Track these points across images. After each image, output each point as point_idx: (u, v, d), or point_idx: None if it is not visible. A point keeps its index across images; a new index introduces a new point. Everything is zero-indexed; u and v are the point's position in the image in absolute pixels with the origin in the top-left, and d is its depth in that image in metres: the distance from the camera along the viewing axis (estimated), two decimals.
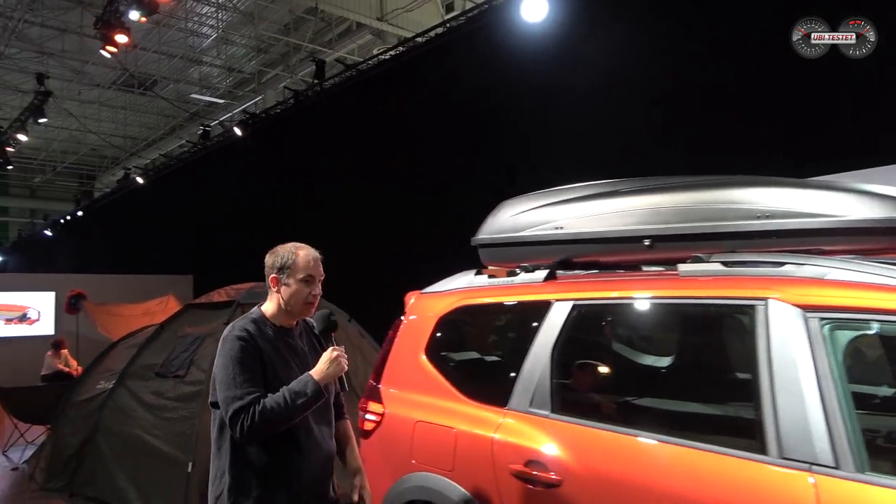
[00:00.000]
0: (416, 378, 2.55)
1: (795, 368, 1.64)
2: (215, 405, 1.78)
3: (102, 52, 9.28)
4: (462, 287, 2.63)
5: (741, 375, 1.93)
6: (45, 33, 12.51)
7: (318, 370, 1.79)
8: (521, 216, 2.51)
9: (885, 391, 1.98)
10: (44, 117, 13.05)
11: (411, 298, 2.80)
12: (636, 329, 2.58)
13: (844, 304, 1.62)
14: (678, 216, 2.10)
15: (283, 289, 1.86)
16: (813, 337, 1.64)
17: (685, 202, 2.11)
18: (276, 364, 1.81)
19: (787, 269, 1.79)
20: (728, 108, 4.77)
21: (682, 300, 1.99)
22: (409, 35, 9.00)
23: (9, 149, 15.36)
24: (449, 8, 11.85)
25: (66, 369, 8.30)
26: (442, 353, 2.61)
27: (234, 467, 1.76)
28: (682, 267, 2.00)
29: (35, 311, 10.99)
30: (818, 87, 4.12)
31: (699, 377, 2.31)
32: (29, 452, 5.74)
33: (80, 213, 18.37)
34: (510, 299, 2.47)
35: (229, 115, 15.45)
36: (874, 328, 1.67)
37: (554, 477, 1.97)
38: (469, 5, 8.61)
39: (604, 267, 2.44)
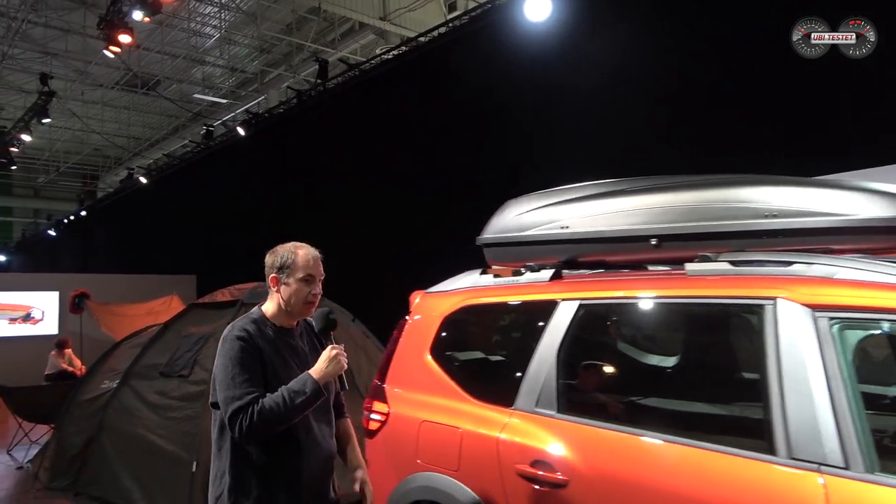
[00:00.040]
0: (422, 378, 2.55)
1: (804, 368, 1.63)
2: (215, 405, 1.77)
3: (106, 52, 9.30)
4: (467, 287, 2.62)
5: (749, 375, 1.92)
6: (49, 34, 12.53)
7: (318, 369, 1.77)
8: (527, 215, 2.50)
9: (894, 391, 1.97)
10: (47, 117, 13.08)
11: (416, 298, 2.80)
12: (643, 329, 2.57)
13: (854, 304, 1.61)
14: (685, 215, 2.09)
15: (282, 288, 1.85)
16: (822, 336, 1.63)
17: (692, 201, 2.10)
18: (276, 364, 1.80)
19: (796, 269, 1.78)
20: (732, 108, 4.76)
21: (690, 300, 1.98)
22: (412, 35, 9.00)
23: (12, 149, 15.41)
24: (451, 7, 11.84)
25: (70, 369, 8.31)
26: (447, 353, 2.60)
27: (234, 467, 1.75)
28: (689, 266, 1.99)
29: (39, 310, 11.02)
30: (818, 87, 4.11)
31: (707, 377, 2.30)
32: (33, 452, 5.75)
33: (83, 213, 18.41)
34: (516, 299, 2.46)
35: (232, 115, 15.47)
36: (884, 328, 1.66)
37: (560, 477, 1.96)
38: (472, 5, 8.60)
39: (609, 266, 2.43)
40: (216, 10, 12.62)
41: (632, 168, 2.86)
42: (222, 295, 4.89)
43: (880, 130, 3.88)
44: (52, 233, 20.59)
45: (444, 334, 2.58)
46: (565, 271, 2.39)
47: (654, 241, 2.12)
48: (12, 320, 10.82)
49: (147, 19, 8.73)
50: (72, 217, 19.29)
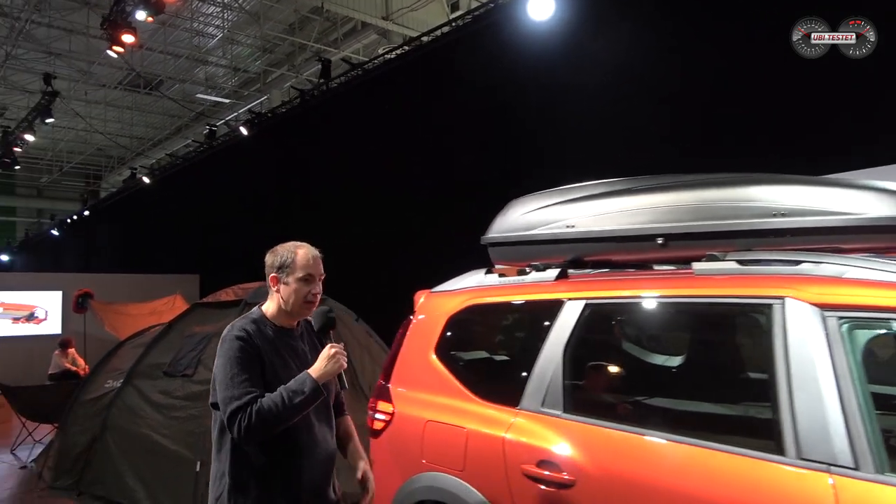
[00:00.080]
0: (426, 377, 2.54)
1: (813, 368, 1.62)
2: (215, 406, 1.77)
3: (109, 52, 9.32)
4: (472, 286, 2.61)
5: (758, 375, 1.90)
6: (52, 34, 12.55)
7: (317, 368, 1.76)
8: (532, 215, 2.49)
9: None
10: (51, 117, 13.12)
11: (421, 297, 2.79)
12: (650, 328, 2.56)
13: (864, 303, 1.60)
14: (691, 214, 2.07)
15: (282, 288, 1.84)
16: (831, 336, 1.62)
17: (699, 200, 2.09)
18: (276, 364, 1.79)
19: (804, 268, 1.77)
20: (735, 107, 4.75)
21: (698, 299, 1.96)
22: (415, 34, 8.99)
23: (16, 149, 15.44)
24: (454, 7, 11.83)
25: (74, 368, 8.33)
26: (452, 353, 2.59)
27: (233, 468, 1.75)
28: (696, 265, 1.98)
29: (42, 310, 11.05)
30: (818, 87, 4.10)
31: (715, 377, 2.28)
32: (37, 451, 5.76)
33: (86, 213, 18.45)
34: (521, 298, 2.45)
35: (235, 114, 15.48)
36: (894, 328, 1.65)
37: (567, 477, 1.96)
38: (474, 4, 8.59)
39: (615, 266, 2.42)
40: (219, 9, 12.63)
41: (635, 167, 2.85)
42: (226, 294, 4.90)
43: (880, 130, 3.88)
44: (55, 232, 20.64)
45: (449, 334, 2.57)
46: (571, 271, 2.38)
47: (660, 241, 2.11)
48: (16, 320, 10.85)
49: (150, 19, 8.75)
50: (75, 217, 19.33)
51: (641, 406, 2.18)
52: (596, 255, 2.36)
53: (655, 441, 1.85)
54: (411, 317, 2.76)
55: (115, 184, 21.46)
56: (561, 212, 2.39)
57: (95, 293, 9.11)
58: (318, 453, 1.83)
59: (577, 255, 2.37)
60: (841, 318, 1.62)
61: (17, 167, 17.17)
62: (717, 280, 1.90)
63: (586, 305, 2.16)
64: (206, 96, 15.35)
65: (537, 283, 2.37)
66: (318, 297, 1.87)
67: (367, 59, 9.40)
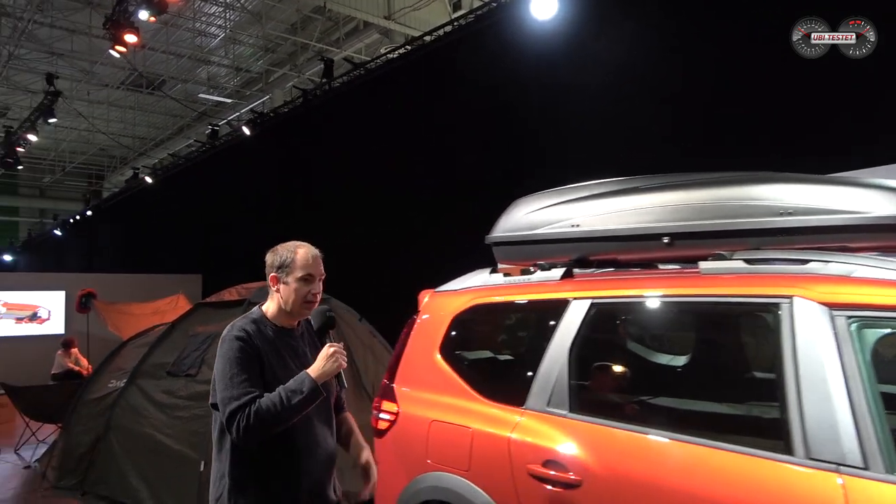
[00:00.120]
0: (431, 377, 2.53)
1: (822, 367, 1.61)
2: (215, 406, 1.76)
3: (112, 51, 9.31)
4: (477, 286, 2.61)
5: (766, 375, 1.90)
6: (55, 34, 12.57)
7: (315, 368, 1.74)
8: (537, 214, 2.48)
9: None
10: (53, 117, 13.12)
11: (425, 297, 2.78)
12: (657, 328, 2.55)
13: (873, 303, 1.59)
14: (698, 213, 2.07)
15: (282, 287, 1.83)
16: (840, 335, 1.61)
17: (705, 199, 2.08)
18: (275, 365, 1.78)
19: (813, 267, 1.76)
20: (737, 107, 4.74)
21: (705, 298, 1.96)
22: (417, 34, 8.99)
23: (19, 149, 15.46)
24: (456, 6, 11.82)
25: (77, 368, 8.34)
26: (457, 352, 2.59)
27: (233, 469, 1.74)
28: (703, 264, 1.97)
29: (45, 310, 11.07)
30: (818, 87, 4.10)
31: (722, 376, 2.28)
32: (40, 451, 5.77)
33: (89, 213, 18.48)
34: (526, 298, 2.44)
35: (237, 114, 15.49)
36: None
37: (573, 477, 1.95)
38: (477, 3, 8.58)
39: (621, 265, 2.41)
40: (221, 9, 12.64)
41: (636, 167, 2.84)
42: (229, 294, 4.89)
43: (880, 130, 3.87)
44: (57, 232, 20.67)
45: (453, 333, 2.57)
46: (576, 270, 2.37)
47: (666, 240, 2.11)
48: (19, 320, 10.86)
49: (153, 19, 8.74)
50: (77, 217, 19.36)
51: (648, 406, 2.17)
52: (601, 254, 2.35)
53: (663, 441, 1.84)
54: (416, 316, 2.76)
55: (117, 184, 21.49)
56: (566, 211, 2.39)
57: (98, 293, 9.12)
58: (318, 454, 1.83)
59: (583, 254, 2.36)
60: (850, 317, 1.62)
61: (20, 167, 17.17)
62: (725, 279, 1.89)
63: (592, 305, 2.16)
64: (208, 96, 15.36)
65: (542, 283, 2.36)
66: (318, 296, 1.86)
67: (369, 59, 9.39)
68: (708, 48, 4.89)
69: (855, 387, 1.56)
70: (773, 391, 1.70)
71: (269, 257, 1.87)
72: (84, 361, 8.50)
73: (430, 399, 2.49)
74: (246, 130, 10.62)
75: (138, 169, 16.12)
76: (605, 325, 2.33)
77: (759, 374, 2.11)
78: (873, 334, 1.64)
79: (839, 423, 1.55)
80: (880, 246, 1.88)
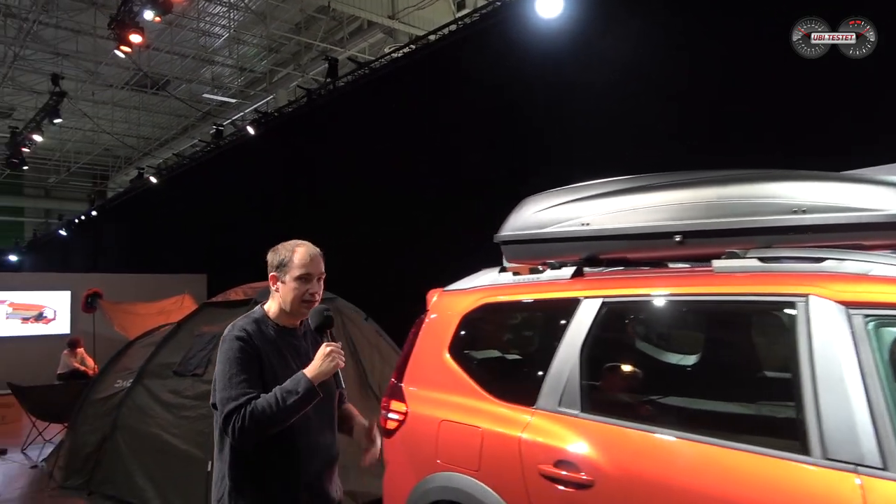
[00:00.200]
0: (440, 377, 2.52)
1: (839, 367, 1.59)
2: (216, 406, 1.74)
3: (117, 52, 9.34)
4: (486, 285, 2.59)
5: (781, 374, 1.88)
6: (60, 34, 12.60)
7: (312, 367, 1.72)
8: (546, 212, 2.46)
9: None
10: (58, 118, 13.15)
11: (434, 296, 2.77)
12: (669, 327, 2.53)
13: (891, 301, 1.57)
14: (710, 211, 2.05)
15: (281, 287, 1.82)
16: (857, 334, 1.59)
17: (717, 196, 2.06)
18: (276, 365, 1.76)
19: (828, 265, 1.74)
20: (742, 104, 4.72)
21: (718, 297, 1.94)
22: (421, 33, 8.97)
23: (24, 149, 15.51)
24: (460, 6, 11.80)
25: (83, 368, 8.35)
26: (466, 352, 2.58)
27: (233, 469, 1.73)
28: (716, 263, 1.95)
29: (51, 310, 11.10)
30: (818, 87, 4.08)
31: (736, 376, 2.26)
32: (47, 450, 5.78)
33: (94, 213, 18.53)
34: (536, 297, 2.42)
35: (241, 114, 15.51)
36: None
37: (585, 477, 1.93)
38: (481, 2, 8.56)
39: (631, 264, 2.39)
40: (225, 9, 12.65)
41: (642, 165, 2.82)
42: (235, 294, 4.89)
43: (880, 130, 3.86)
44: (63, 233, 20.76)
45: (462, 333, 2.55)
46: (586, 269, 2.35)
47: (678, 238, 2.08)
48: (25, 320, 10.89)
49: (158, 19, 8.76)
50: (82, 217, 19.43)
51: (661, 406, 2.15)
52: (611, 253, 2.34)
53: (677, 441, 1.82)
54: (424, 316, 2.74)
55: (122, 184, 21.54)
56: (575, 209, 2.37)
57: (104, 293, 9.14)
58: (318, 454, 1.82)
59: (593, 253, 2.35)
60: (867, 315, 1.60)
61: (26, 168, 17.25)
62: (739, 277, 1.87)
63: (603, 304, 2.14)
64: (212, 96, 15.38)
65: (552, 282, 2.35)
66: (317, 296, 1.84)
67: (373, 59, 9.39)
68: (714, 46, 4.86)
69: (873, 386, 1.54)
70: (790, 391, 1.68)
71: (270, 256, 1.86)
72: (90, 361, 8.51)
73: (439, 399, 2.48)
74: (250, 130, 10.63)
75: (143, 169, 16.15)
76: (616, 324, 2.31)
77: (775, 374, 2.09)
78: (891, 333, 1.62)
79: (857, 423, 1.53)
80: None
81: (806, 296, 1.69)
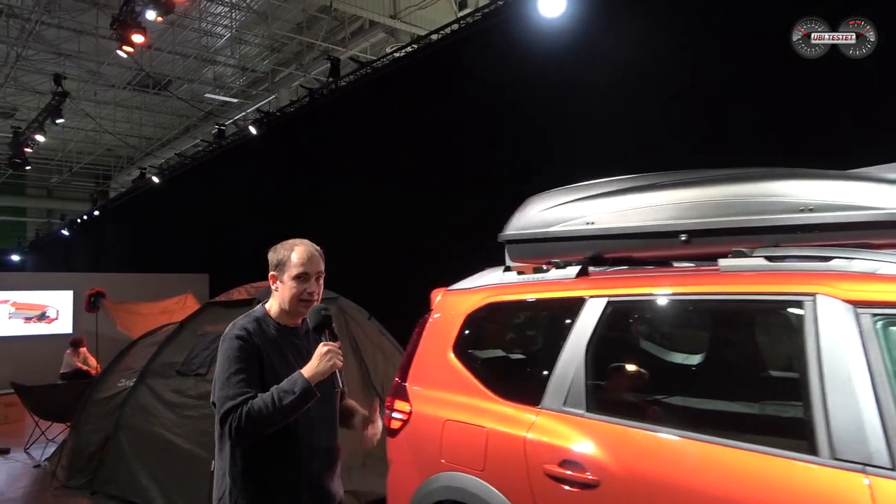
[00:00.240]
0: (444, 376, 2.51)
1: (847, 366, 1.58)
2: (216, 404, 1.75)
3: (119, 52, 9.35)
4: (490, 284, 2.58)
5: (789, 373, 1.87)
6: (62, 35, 12.61)
7: (309, 367, 1.70)
8: (551, 211, 2.45)
9: None
10: (61, 118, 13.17)
11: (437, 295, 2.76)
12: (675, 326, 2.52)
13: None
14: (716, 210, 2.03)
15: (280, 286, 1.82)
16: (865, 334, 1.58)
17: (723, 195, 2.05)
18: (277, 364, 1.76)
19: (836, 264, 1.73)
20: (745, 103, 4.71)
21: (724, 296, 1.93)
22: (422, 33, 8.96)
23: (27, 149, 15.54)
24: (462, 5, 11.79)
25: (85, 367, 8.36)
26: (470, 351, 2.57)
27: (233, 468, 1.73)
28: (723, 262, 1.94)
29: (53, 309, 11.11)
30: (818, 87, 4.07)
31: (743, 376, 2.24)
32: (50, 450, 5.78)
33: (96, 213, 18.55)
34: (541, 296, 2.41)
35: (243, 114, 15.52)
36: None
37: (591, 477, 1.93)
38: (483, 2, 8.55)
39: (636, 263, 2.38)
40: (227, 9, 12.65)
41: (645, 164, 2.82)
42: (238, 293, 4.89)
43: (880, 130, 3.85)
44: (65, 232, 20.79)
45: (467, 332, 2.54)
46: (591, 268, 2.34)
47: (683, 237, 2.07)
48: (28, 319, 10.91)
49: (160, 19, 8.76)
50: (85, 217, 19.45)
51: (668, 405, 2.14)
52: (617, 252, 2.33)
53: (683, 441, 1.81)
54: (428, 315, 2.73)
55: (124, 184, 21.57)
56: (580, 208, 2.36)
57: (106, 293, 9.16)
58: (319, 453, 1.82)
59: (598, 251, 2.34)
60: (875, 315, 1.59)
61: (28, 168, 17.27)
62: (745, 277, 1.86)
63: (609, 303, 2.13)
64: (214, 96, 15.39)
65: (557, 281, 2.34)
66: (316, 295, 1.83)
67: (375, 58, 9.38)
68: (716, 45, 4.85)
69: (881, 386, 1.53)
70: (797, 390, 1.67)
71: (270, 255, 1.86)
72: (93, 361, 8.52)
73: (443, 398, 2.47)
74: (252, 130, 10.63)
75: (145, 169, 16.16)
76: (622, 323, 2.30)
77: (782, 374, 2.08)
78: None
79: (865, 423, 1.52)
80: None
81: (814, 295, 1.68)
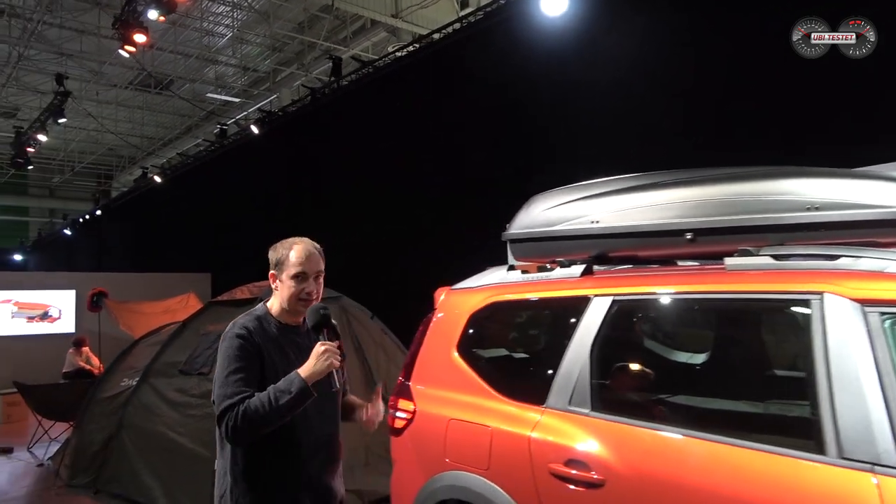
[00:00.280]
0: (448, 375, 2.51)
1: (855, 365, 1.58)
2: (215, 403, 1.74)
3: (121, 51, 9.36)
4: (494, 283, 2.58)
5: (796, 372, 1.86)
6: (64, 34, 12.63)
7: (306, 367, 1.69)
8: (555, 210, 2.44)
9: None
10: (63, 118, 13.19)
11: (441, 295, 2.76)
12: (681, 325, 2.51)
13: None
14: (721, 208, 2.02)
15: (279, 285, 1.81)
16: (873, 332, 1.57)
17: (729, 194, 2.04)
18: (278, 362, 1.75)
19: (843, 262, 1.72)
20: (749, 101, 4.70)
21: (730, 295, 1.92)
22: (424, 32, 8.96)
23: (29, 149, 15.56)
24: (463, 4, 11.78)
25: (88, 367, 8.37)
26: (474, 350, 2.56)
27: (234, 467, 1.73)
28: (728, 261, 1.93)
29: (56, 309, 11.12)
30: (818, 87, 4.06)
31: (750, 375, 2.23)
32: (53, 449, 5.79)
33: (98, 213, 18.57)
34: (545, 295, 2.40)
35: (245, 113, 15.53)
36: None
37: (596, 477, 1.92)
38: (484, 1, 8.54)
39: (641, 261, 2.37)
40: (229, 9, 12.66)
41: (648, 162, 2.81)
42: (241, 292, 4.89)
43: (880, 130, 3.84)
44: (67, 232, 20.79)
45: (471, 331, 2.54)
46: (595, 267, 2.33)
47: (689, 236, 2.06)
48: (30, 319, 10.92)
49: (162, 19, 8.77)
50: (87, 216, 19.47)
51: (674, 405, 2.13)
52: (621, 250, 2.32)
53: (689, 440, 1.80)
54: (431, 314, 2.73)
55: (126, 183, 21.59)
56: (585, 207, 2.35)
57: (109, 292, 9.16)
58: (320, 452, 1.81)
59: (602, 250, 2.33)
60: (883, 313, 1.58)
61: (30, 167, 17.30)
62: (751, 275, 1.86)
63: (614, 302, 2.12)
64: (216, 95, 15.40)
65: (562, 280, 2.33)
66: (314, 294, 1.82)
67: (377, 57, 9.37)
68: (719, 42, 4.84)
69: (889, 384, 1.52)
70: (805, 389, 1.66)
71: (270, 254, 1.86)
72: (95, 360, 8.53)
73: (447, 397, 2.47)
74: (254, 129, 10.63)
75: (147, 168, 16.17)
76: (627, 322, 2.29)
77: (789, 373, 2.07)
78: None
79: (873, 422, 1.51)
80: None
81: (821, 293, 1.68)
